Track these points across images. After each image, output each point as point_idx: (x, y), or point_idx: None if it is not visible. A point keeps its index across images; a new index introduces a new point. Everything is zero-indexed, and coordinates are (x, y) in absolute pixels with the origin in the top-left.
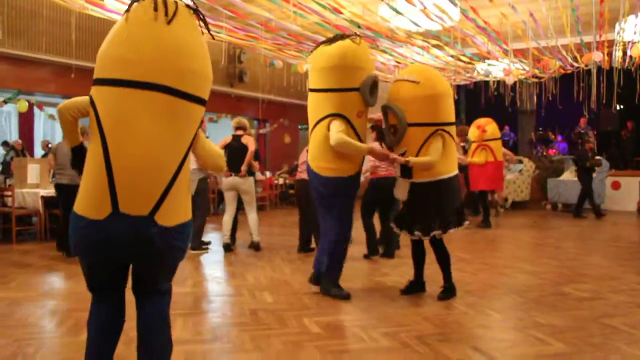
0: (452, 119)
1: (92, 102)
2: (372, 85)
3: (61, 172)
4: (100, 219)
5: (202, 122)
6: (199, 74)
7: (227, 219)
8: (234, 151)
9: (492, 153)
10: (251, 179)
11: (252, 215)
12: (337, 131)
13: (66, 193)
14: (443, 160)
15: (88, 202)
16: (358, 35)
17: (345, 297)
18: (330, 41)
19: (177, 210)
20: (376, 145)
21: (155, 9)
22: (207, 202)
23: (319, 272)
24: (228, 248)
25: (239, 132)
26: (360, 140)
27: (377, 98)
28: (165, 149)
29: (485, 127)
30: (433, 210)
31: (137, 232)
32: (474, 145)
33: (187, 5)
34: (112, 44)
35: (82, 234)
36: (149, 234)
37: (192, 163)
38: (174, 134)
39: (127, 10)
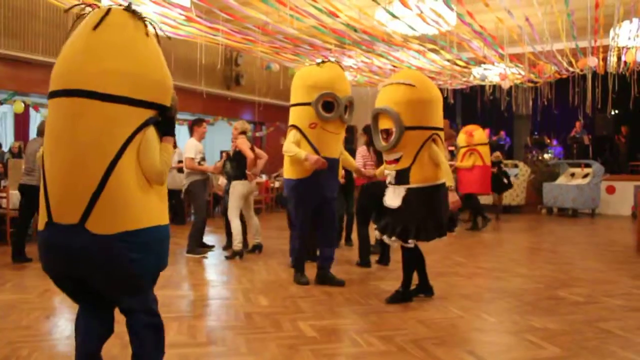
0: (442, 124)
1: None
2: (330, 100)
3: (31, 174)
4: (42, 230)
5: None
6: (128, 75)
7: (239, 224)
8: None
9: (480, 157)
10: None
11: (255, 219)
12: (288, 140)
13: (32, 195)
14: (429, 167)
15: (40, 214)
16: (329, 60)
17: (305, 283)
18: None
19: (120, 216)
20: (363, 149)
21: (85, 17)
22: (204, 207)
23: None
24: (242, 255)
25: (245, 136)
26: (314, 148)
27: (339, 115)
28: (87, 152)
29: (473, 132)
30: (420, 216)
31: (69, 242)
32: (462, 150)
33: (127, 9)
34: (56, 62)
35: (38, 245)
36: (80, 243)
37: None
38: (98, 137)
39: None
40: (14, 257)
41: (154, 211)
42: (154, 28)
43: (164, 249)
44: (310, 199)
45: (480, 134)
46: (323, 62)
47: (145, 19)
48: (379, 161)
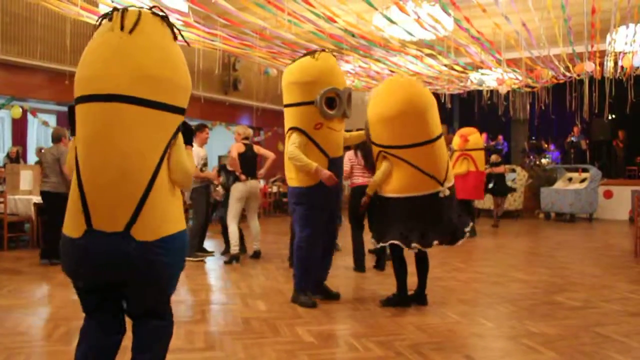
0: (404, 142)
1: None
2: (332, 96)
3: (45, 180)
4: (77, 237)
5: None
6: (166, 81)
7: (236, 228)
8: (250, 158)
9: (473, 163)
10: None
11: (256, 223)
12: (292, 144)
13: (49, 201)
14: (394, 180)
15: (68, 220)
16: (323, 50)
17: (312, 305)
18: (294, 60)
19: (159, 223)
20: (350, 153)
21: (120, 21)
22: (204, 212)
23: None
24: (238, 259)
25: (247, 142)
26: (322, 150)
27: (342, 110)
28: (131, 159)
29: (468, 136)
30: (377, 222)
31: (113, 250)
32: (456, 155)
33: (155, 13)
34: (81, 65)
35: (65, 252)
36: (125, 250)
37: None
38: (141, 144)
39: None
40: (47, 256)
41: (180, 216)
42: (181, 35)
43: (186, 252)
44: (323, 206)
45: (475, 138)
46: (315, 52)
47: (173, 25)
48: (367, 164)
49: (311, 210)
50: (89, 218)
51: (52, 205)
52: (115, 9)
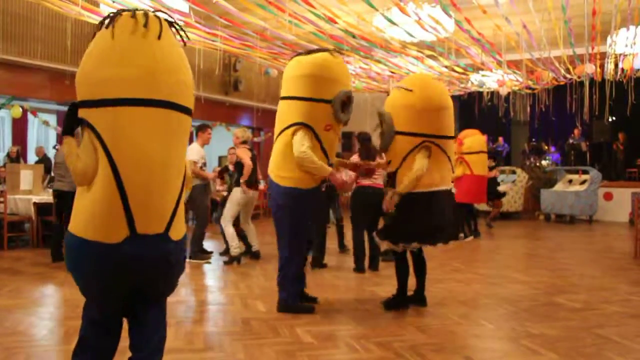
0: (446, 132)
1: (89, 126)
2: (346, 100)
3: (61, 179)
4: (117, 242)
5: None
6: (187, 85)
7: (233, 230)
8: (253, 163)
9: (468, 166)
10: None
11: (252, 225)
12: (302, 143)
13: (66, 200)
14: (434, 172)
15: (101, 227)
16: (337, 51)
17: (311, 310)
18: (308, 53)
19: (182, 223)
20: (355, 157)
21: (145, 25)
22: (206, 212)
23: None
24: (240, 260)
25: (247, 145)
26: (325, 153)
27: (349, 116)
28: (171, 164)
29: (463, 140)
30: (418, 222)
31: (156, 251)
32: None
33: (165, 19)
34: (102, 64)
35: (96, 260)
36: (167, 249)
37: None
38: (176, 148)
39: (108, 26)
40: (54, 257)
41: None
42: (180, 35)
43: None
44: (313, 212)
45: (471, 141)
46: (329, 50)
47: (181, 28)
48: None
49: (302, 215)
50: (133, 223)
51: (69, 204)
52: (129, 10)
